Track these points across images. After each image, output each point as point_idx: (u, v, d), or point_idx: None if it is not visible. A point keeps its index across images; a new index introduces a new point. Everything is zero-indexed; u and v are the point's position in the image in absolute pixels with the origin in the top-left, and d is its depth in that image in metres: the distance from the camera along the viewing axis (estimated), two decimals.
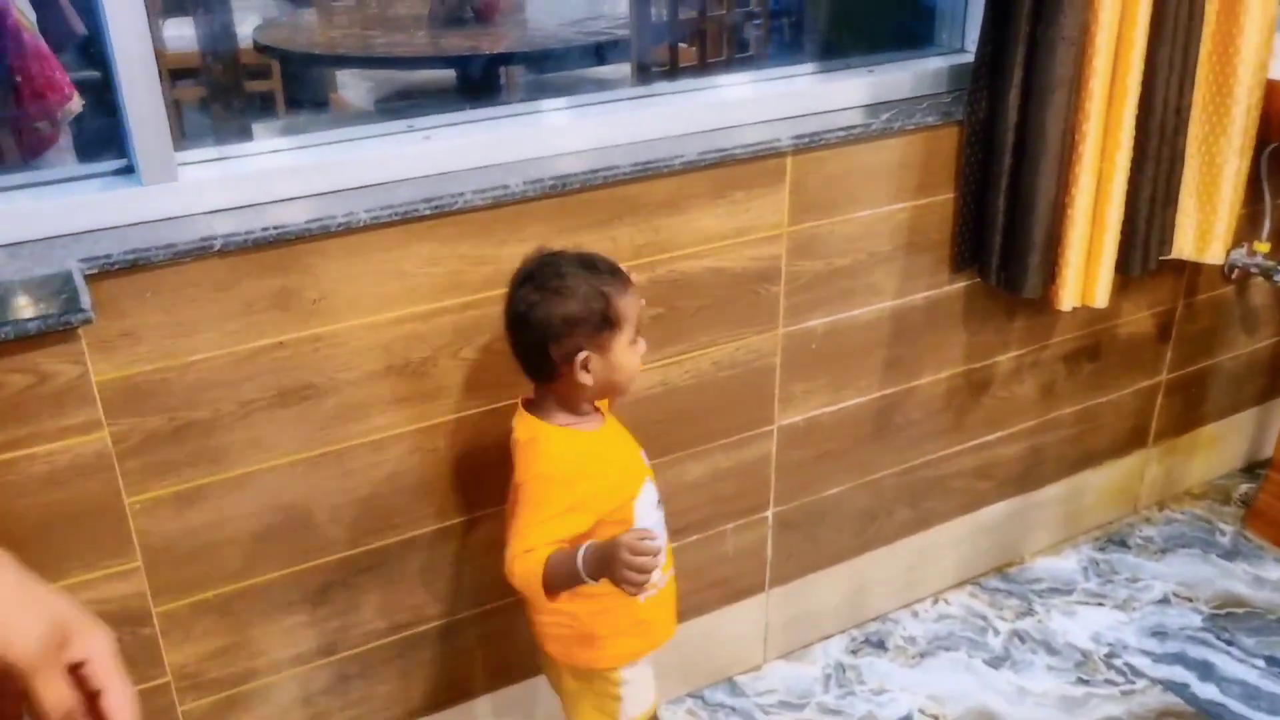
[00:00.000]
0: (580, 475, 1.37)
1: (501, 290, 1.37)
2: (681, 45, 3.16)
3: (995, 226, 1.81)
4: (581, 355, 1.32)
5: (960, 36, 1.95)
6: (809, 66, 1.88)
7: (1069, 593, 2.27)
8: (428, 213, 1.43)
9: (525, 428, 1.40)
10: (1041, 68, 1.68)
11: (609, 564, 1.22)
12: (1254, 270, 2.23)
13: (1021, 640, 2.14)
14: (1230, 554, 2.37)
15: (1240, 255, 2.23)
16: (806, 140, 1.67)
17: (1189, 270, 2.22)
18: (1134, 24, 1.70)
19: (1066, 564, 2.35)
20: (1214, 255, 2.01)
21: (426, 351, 1.50)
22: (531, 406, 1.41)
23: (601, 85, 2.94)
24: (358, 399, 1.48)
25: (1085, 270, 1.85)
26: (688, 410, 1.76)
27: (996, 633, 2.17)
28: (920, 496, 2.12)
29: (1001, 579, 2.31)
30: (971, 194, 1.83)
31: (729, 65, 3.12)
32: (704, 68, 3.07)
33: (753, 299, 1.74)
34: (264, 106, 3.39)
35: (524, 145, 1.56)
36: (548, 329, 1.32)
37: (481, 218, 1.48)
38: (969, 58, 1.83)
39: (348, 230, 1.39)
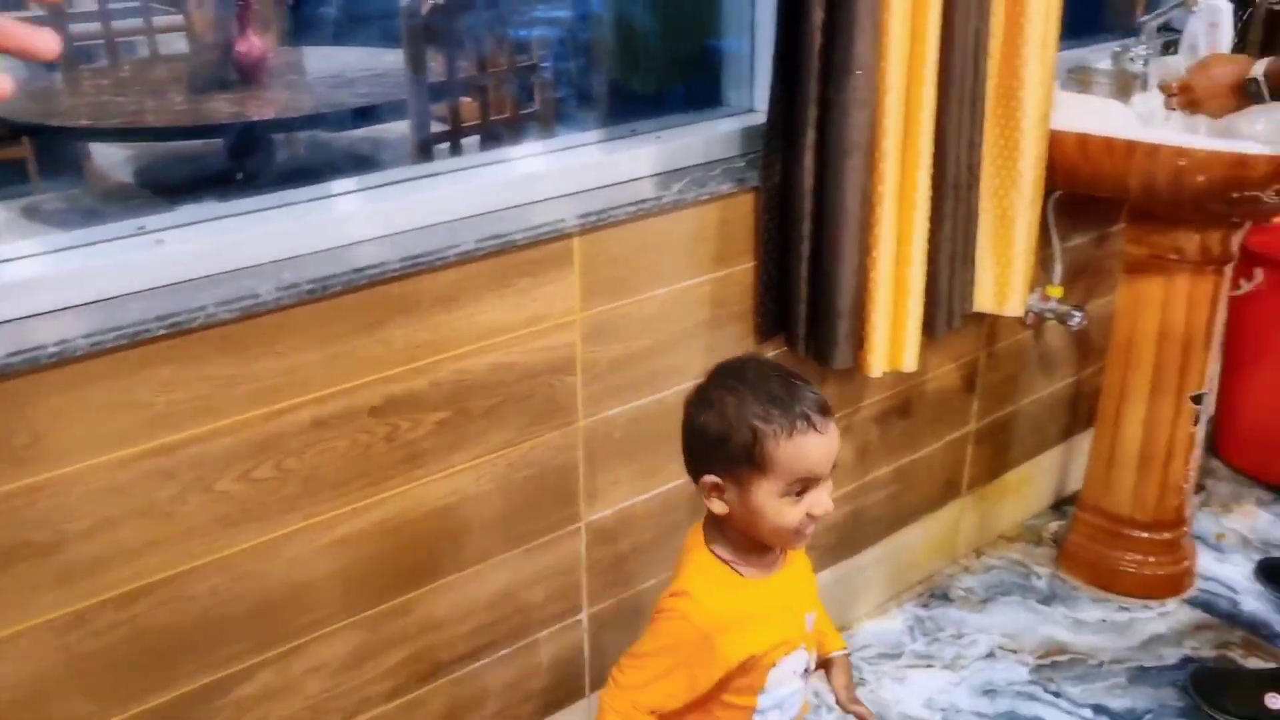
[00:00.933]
0: (711, 635, 1.22)
1: (263, 410, 1.18)
2: (464, 100, 3.00)
3: (799, 295, 1.72)
4: (710, 479, 1.20)
5: (750, 95, 1.87)
6: (595, 134, 1.76)
7: (898, 656, 2.20)
8: (162, 332, 1.23)
9: (692, 536, 1.29)
10: (835, 131, 1.61)
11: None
12: (1049, 315, 2.24)
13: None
14: (1048, 598, 2.36)
15: (1035, 301, 2.23)
16: (594, 218, 1.54)
17: (989, 320, 2.21)
18: (921, 83, 1.65)
19: (893, 625, 2.29)
20: (1013, 307, 1.99)
21: (173, 489, 1.29)
22: (706, 519, 1.28)
23: (378, 148, 2.75)
24: (91, 552, 1.26)
25: (892, 335, 1.79)
26: (485, 518, 1.60)
27: (831, 709, 2.08)
28: None
29: None
30: (773, 262, 1.74)
31: (515, 124, 2.98)
32: (487, 126, 2.92)
33: (548, 392, 1.59)
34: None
35: (276, 244, 1.37)
36: (689, 433, 1.22)
37: (230, 332, 1.28)
38: (760, 118, 1.74)
39: (62, 361, 1.17)
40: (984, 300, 1.98)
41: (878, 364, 1.79)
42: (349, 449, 1.41)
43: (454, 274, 1.44)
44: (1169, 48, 2.38)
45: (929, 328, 1.85)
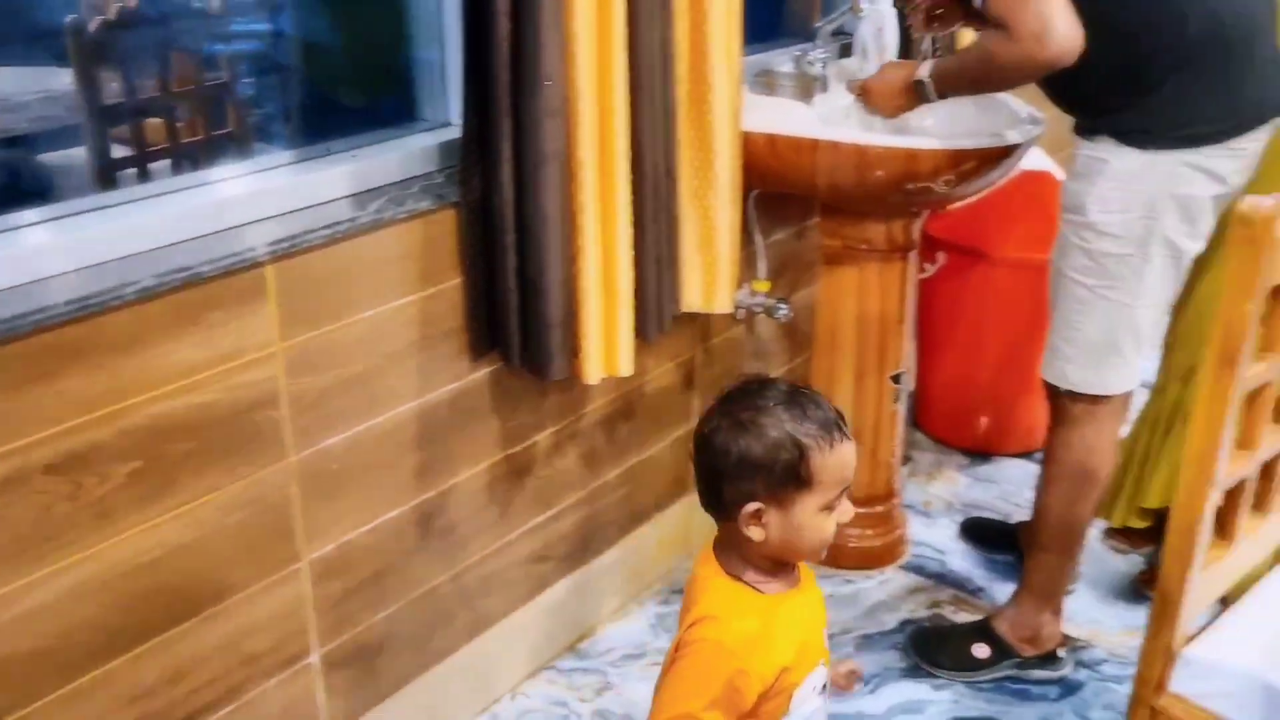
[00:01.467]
0: (744, 656, 1.18)
1: None
2: (151, 122, 2.81)
3: (510, 308, 1.71)
4: (752, 506, 1.17)
5: (445, 109, 1.84)
6: (289, 155, 1.68)
7: (641, 656, 2.23)
8: None
9: (702, 565, 1.25)
10: (530, 142, 1.61)
11: None
12: (757, 309, 2.32)
13: (604, 719, 2.07)
14: None
15: (744, 296, 2.31)
16: (287, 244, 1.47)
17: (701, 318, 2.27)
18: (612, 90, 1.67)
19: (636, 625, 2.32)
20: (722, 304, 2.05)
21: None
22: (717, 544, 1.26)
23: (53, 177, 2.53)
24: None
25: (605, 342, 1.81)
26: (197, 569, 1.50)
27: (579, 717, 2.08)
28: (480, 595, 1.99)
29: (576, 657, 2.23)
30: (480, 277, 1.72)
31: (207, 146, 2.82)
32: (177, 149, 2.75)
33: (253, 430, 1.51)
34: None
35: None
36: (723, 463, 1.17)
37: None
38: (457, 132, 1.72)
39: None
40: (693, 299, 2.03)
41: (594, 371, 1.80)
42: (26, 513, 1.29)
43: (133, 313, 1.33)
44: (846, 51, 2.52)
45: (641, 331, 1.88)
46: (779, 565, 1.26)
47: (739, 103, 1.96)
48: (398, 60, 1.93)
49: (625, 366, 1.85)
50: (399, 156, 1.70)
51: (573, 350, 1.78)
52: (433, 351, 1.73)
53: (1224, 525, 1.39)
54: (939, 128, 2.25)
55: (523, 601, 2.09)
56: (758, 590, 1.25)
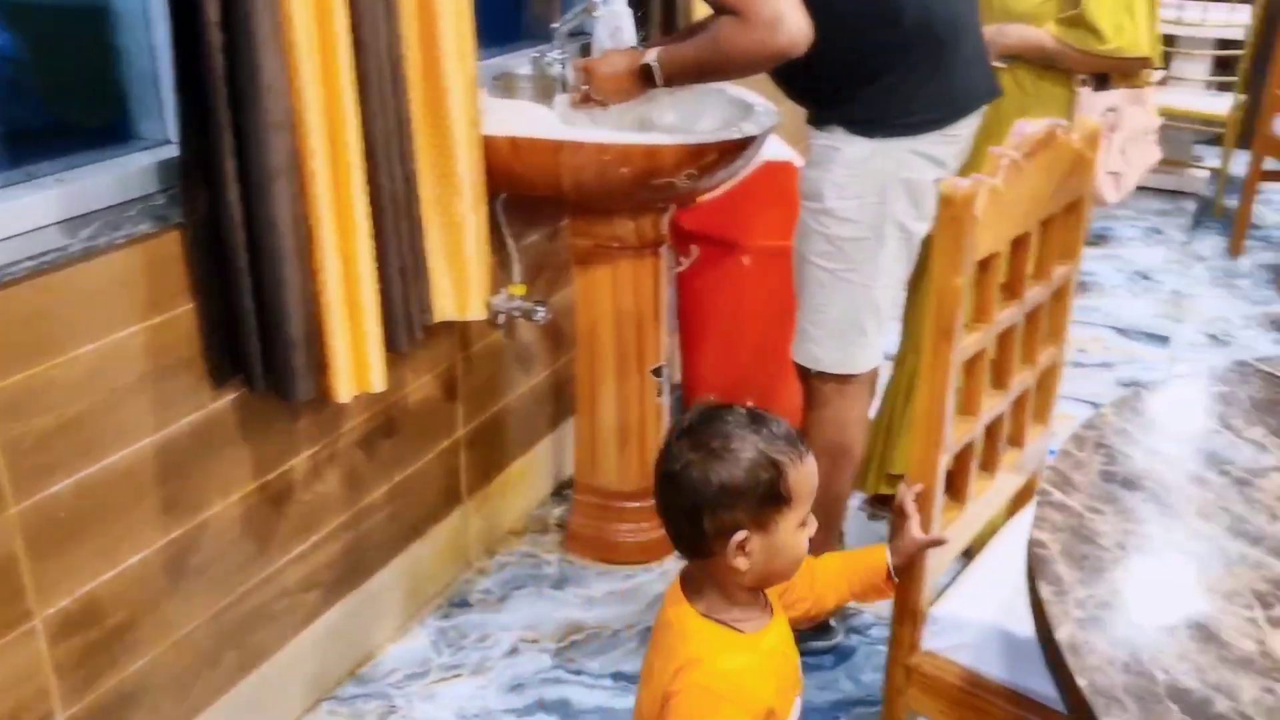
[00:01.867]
0: (733, 698, 1.15)
1: None
2: None
3: (249, 331, 1.63)
4: (740, 535, 1.15)
5: (164, 127, 1.74)
6: None
7: (424, 675, 2.18)
8: None
9: (674, 609, 1.21)
10: (255, 157, 1.54)
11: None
12: (515, 313, 2.31)
13: None
14: (559, 582, 2.45)
15: (501, 301, 2.30)
16: None
17: (459, 326, 2.24)
18: (340, 100, 1.62)
19: (417, 643, 2.27)
20: (475, 311, 2.02)
21: None
22: (686, 585, 1.22)
23: None
24: None
25: (354, 358, 1.76)
26: None
27: None
28: (247, 632, 1.90)
29: (357, 683, 2.16)
30: (214, 301, 1.63)
31: None
32: None
33: None
34: None
35: None
36: (702, 495, 1.14)
37: None
38: (177, 150, 1.62)
39: None
40: (445, 308, 2.00)
41: (345, 389, 1.74)
42: None
43: None
44: (586, 51, 2.54)
45: (392, 343, 1.83)
46: (747, 598, 1.23)
47: (477, 107, 1.94)
48: (108, 75, 1.81)
49: (378, 382, 1.80)
50: (114, 178, 1.60)
51: (320, 369, 1.72)
52: (168, 382, 1.64)
53: (956, 487, 1.48)
54: (680, 123, 2.30)
55: (294, 633, 2.01)
56: (739, 630, 1.22)
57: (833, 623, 2.24)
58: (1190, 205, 4.97)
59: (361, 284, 1.72)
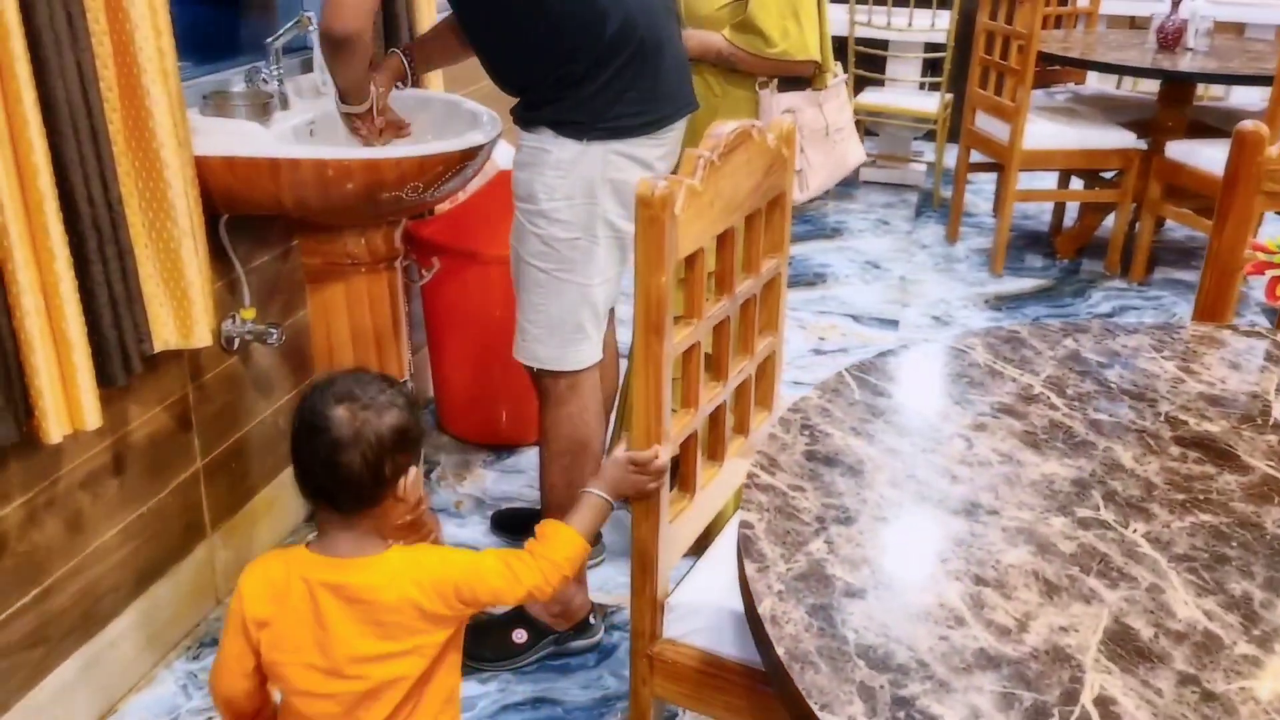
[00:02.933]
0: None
1: None
2: None
3: None
4: (413, 471, 1.30)
5: None
6: None
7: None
8: None
9: (367, 570, 1.30)
10: None
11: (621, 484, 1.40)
12: (248, 337, 2.24)
13: None
14: None
15: (232, 326, 2.22)
16: None
17: (190, 354, 2.15)
18: (25, 125, 1.53)
19: (164, 690, 2.16)
20: (201, 338, 1.95)
21: None
22: (343, 549, 1.31)
23: None
24: None
25: (64, 395, 1.66)
26: None
27: None
28: None
29: None
30: None
31: None
32: None
33: None
34: None
35: None
36: (384, 444, 1.27)
37: None
38: None
39: None
40: (167, 337, 1.91)
41: (55, 429, 1.65)
42: None
43: None
44: (307, 67, 2.49)
45: (105, 379, 1.74)
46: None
47: (186, 127, 1.87)
48: None
49: (92, 419, 1.71)
50: None
51: (25, 409, 1.62)
52: None
53: (684, 478, 1.54)
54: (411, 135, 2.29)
55: (21, 693, 1.88)
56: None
57: (593, 619, 2.28)
58: (913, 197, 5.32)
59: (66, 317, 1.63)
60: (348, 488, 1.27)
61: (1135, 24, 5.63)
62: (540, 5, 1.88)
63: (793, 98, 2.39)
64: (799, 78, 2.44)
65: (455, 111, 2.33)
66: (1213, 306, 1.76)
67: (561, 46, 1.91)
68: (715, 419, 1.59)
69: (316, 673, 1.31)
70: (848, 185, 5.37)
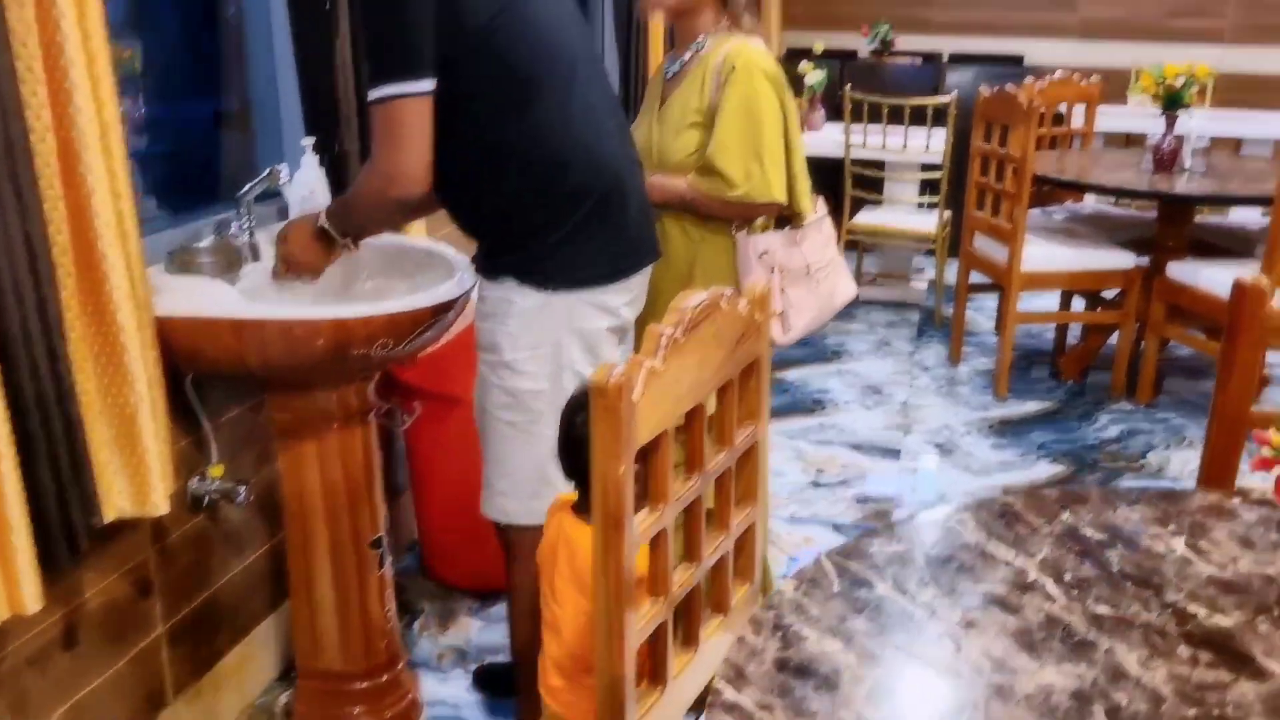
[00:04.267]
0: None
1: None
2: None
3: None
4: None
5: None
6: None
7: None
8: None
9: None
10: None
11: None
12: (216, 495, 2.16)
13: None
14: None
15: (199, 484, 2.14)
16: None
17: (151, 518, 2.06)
18: None
19: None
20: (157, 505, 1.86)
21: None
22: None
23: None
24: None
25: (2, 578, 1.57)
26: None
27: None
28: None
29: None
30: None
31: None
32: None
33: None
34: None
35: None
36: None
37: None
38: None
39: None
40: (121, 506, 1.82)
41: None
42: None
43: None
44: (285, 216, 2.45)
45: (49, 560, 1.65)
46: None
47: (146, 288, 1.81)
48: None
49: (32, 602, 1.61)
50: None
51: None
52: None
53: (654, 671, 1.43)
54: (380, 289, 2.23)
55: None
56: None
57: None
58: (914, 316, 5.26)
59: (5, 497, 1.54)
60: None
61: (1130, 141, 5.63)
62: (503, 154, 1.85)
63: (769, 238, 2.32)
64: (786, 216, 2.39)
65: (430, 260, 2.27)
66: (1220, 468, 1.66)
67: (525, 195, 1.87)
68: (689, 600, 1.49)
69: None
70: (849, 306, 5.30)
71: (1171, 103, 3.99)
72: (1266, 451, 1.23)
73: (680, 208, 2.30)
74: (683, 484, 1.39)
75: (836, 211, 5.09)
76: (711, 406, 1.44)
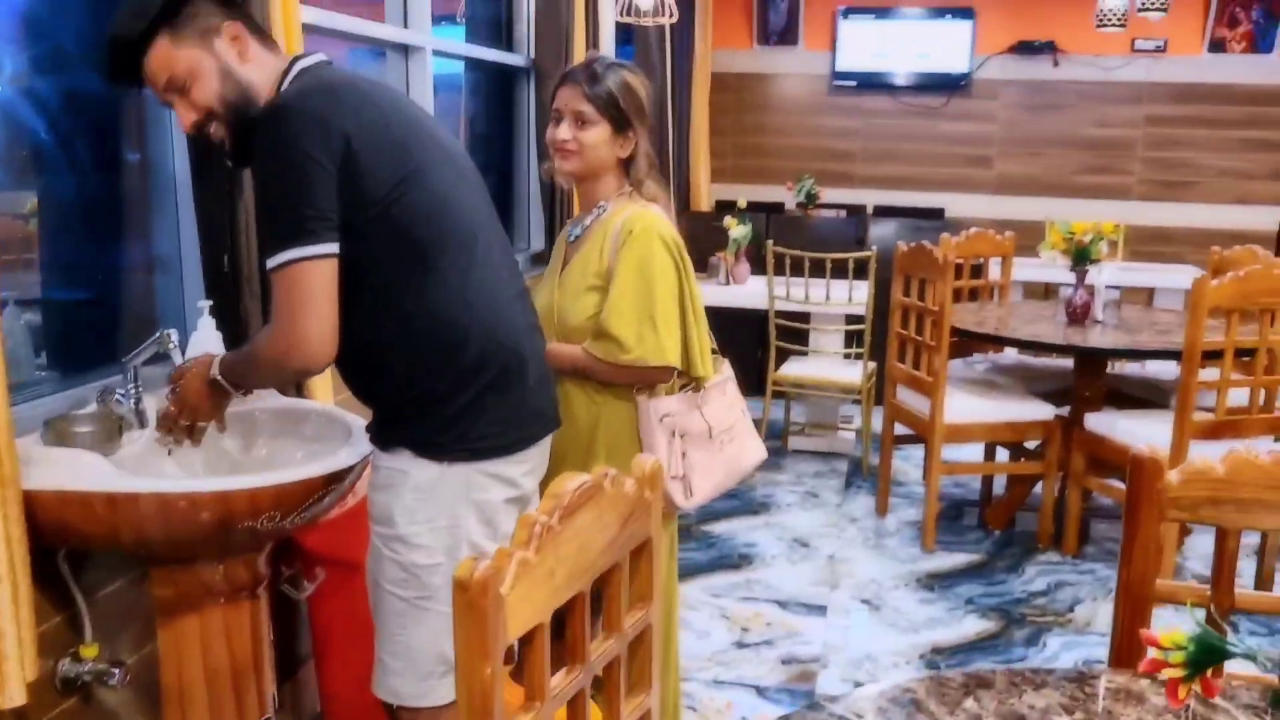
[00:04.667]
0: None
1: None
2: None
3: None
4: None
5: None
6: None
7: None
8: None
9: None
10: None
11: None
12: (88, 678, 2.02)
13: None
14: None
15: (70, 666, 2.01)
16: None
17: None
18: None
19: None
20: (13, 697, 1.73)
21: None
22: None
23: None
24: None
25: None
26: None
27: None
28: None
29: None
30: None
31: None
32: None
33: None
34: None
35: None
36: None
37: None
38: None
39: None
40: None
41: None
42: None
43: None
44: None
45: None
46: None
47: (13, 463, 1.71)
48: None
49: None
50: None
51: None
52: None
53: None
54: (273, 455, 2.15)
55: None
56: None
57: None
58: (843, 466, 5.24)
59: None
60: None
61: (1050, 291, 5.77)
62: (402, 325, 1.80)
63: (670, 402, 2.30)
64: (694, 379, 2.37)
65: (330, 424, 2.21)
66: (1129, 647, 1.61)
67: (423, 365, 1.82)
68: None
69: None
70: (777, 456, 5.29)
71: (1080, 258, 4.09)
72: (1154, 653, 1.18)
73: (577, 374, 2.28)
74: (564, 678, 1.30)
75: (763, 363, 5.13)
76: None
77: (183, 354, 2.12)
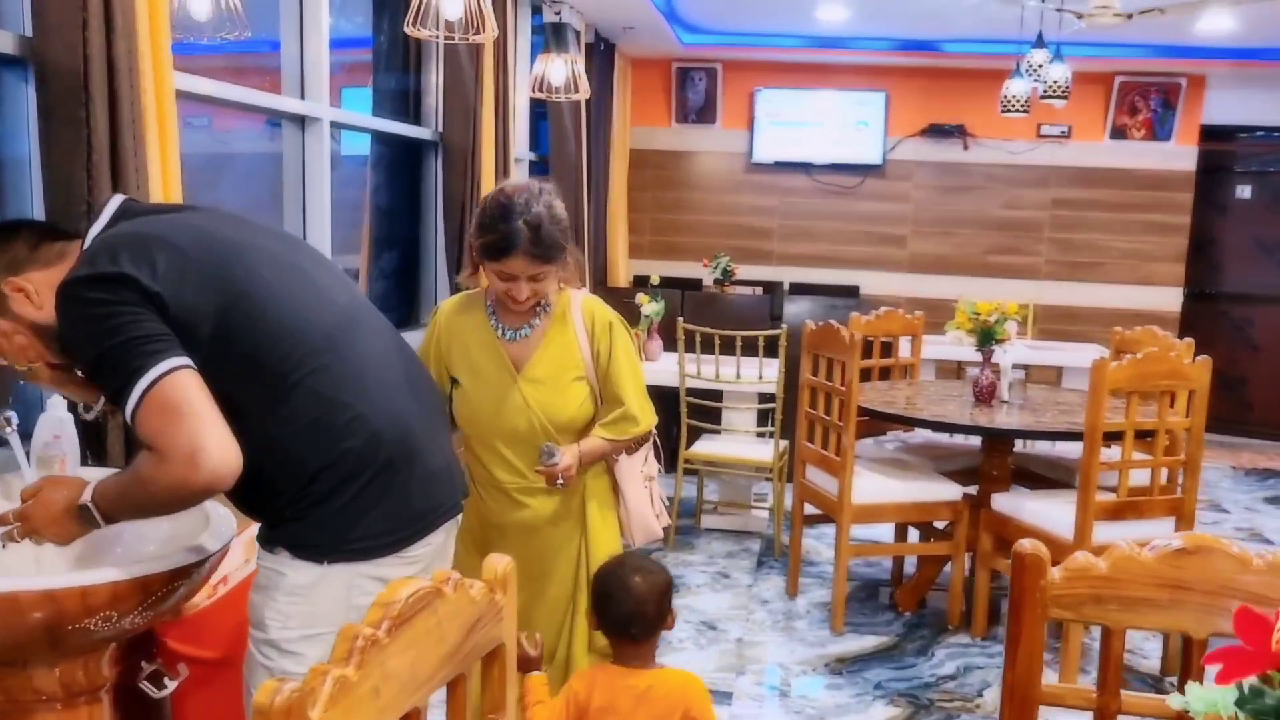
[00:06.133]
0: None
1: None
2: None
3: None
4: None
5: None
6: None
7: None
8: None
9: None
10: None
11: None
12: None
13: None
14: None
15: None
16: None
17: None
18: None
19: None
20: None
21: None
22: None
23: None
24: None
25: None
26: None
27: None
28: None
29: None
30: None
31: None
32: None
33: None
34: None
35: None
36: (667, 591, 2.21)
37: None
38: None
39: None
40: None
41: None
42: None
43: None
44: (12, 466, 2.22)
45: None
46: None
47: None
48: None
49: None
50: None
51: None
52: None
53: None
54: (126, 552, 2.01)
55: None
56: None
57: None
58: (755, 545, 5.16)
59: None
60: (639, 626, 2.15)
61: (961, 369, 5.80)
62: (268, 443, 1.68)
63: (642, 452, 2.67)
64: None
65: (189, 513, 2.06)
66: None
67: (300, 474, 1.71)
68: None
69: None
70: (689, 535, 5.20)
71: (985, 338, 4.10)
72: None
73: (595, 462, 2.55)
74: None
75: (675, 440, 5.05)
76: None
77: (24, 441, 1.98)
